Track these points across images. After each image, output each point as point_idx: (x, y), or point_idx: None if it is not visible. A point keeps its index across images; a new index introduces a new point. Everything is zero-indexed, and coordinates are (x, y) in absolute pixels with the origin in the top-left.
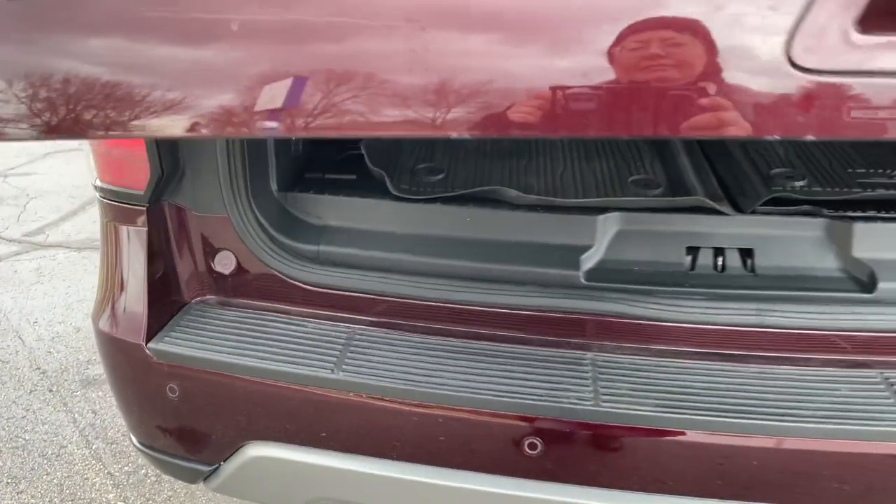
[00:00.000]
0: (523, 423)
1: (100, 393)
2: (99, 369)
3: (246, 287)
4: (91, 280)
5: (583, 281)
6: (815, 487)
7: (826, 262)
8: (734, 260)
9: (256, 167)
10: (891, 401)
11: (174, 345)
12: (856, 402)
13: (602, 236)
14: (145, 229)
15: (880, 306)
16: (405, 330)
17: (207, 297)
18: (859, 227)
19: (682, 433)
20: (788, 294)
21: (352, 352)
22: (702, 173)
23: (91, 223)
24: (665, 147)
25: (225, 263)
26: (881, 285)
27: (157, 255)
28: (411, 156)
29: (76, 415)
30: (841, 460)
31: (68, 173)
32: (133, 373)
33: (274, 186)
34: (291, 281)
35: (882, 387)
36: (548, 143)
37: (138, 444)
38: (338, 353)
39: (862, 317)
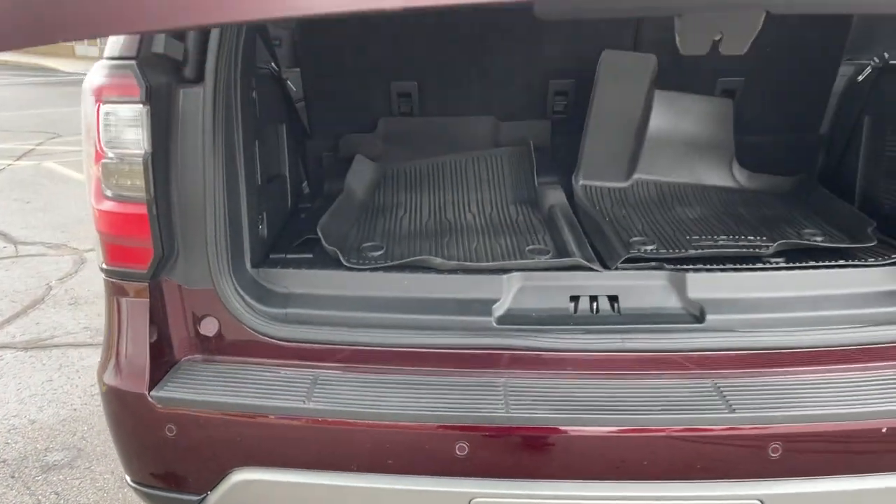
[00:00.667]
0: (454, 432)
1: (60, 476)
2: (58, 455)
3: (227, 345)
4: (40, 377)
5: (494, 325)
6: (664, 460)
7: (670, 302)
8: (604, 304)
9: (235, 249)
10: (717, 399)
11: (172, 392)
12: (694, 400)
13: (507, 291)
14: (147, 301)
15: (709, 332)
16: (360, 370)
17: (195, 355)
18: (691, 276)
19: (572, 429)
20: (643, 326)
21: (318, 387)
22: (580, 242)
23: (34, 324)
24: (552, 223)
25: (209, 327)
26: (709, 317)
27: (155, 322)
28: (357, 237)
29: (40, 497)
30: (683, 439)
31: (7, 279)
32: (135, 418)
33: (248, 264)
34: (265, 338)
35: (712, 390)
36: (465, 223)
37: (133, 483)
38: (307, 389)
39: (697, 341)
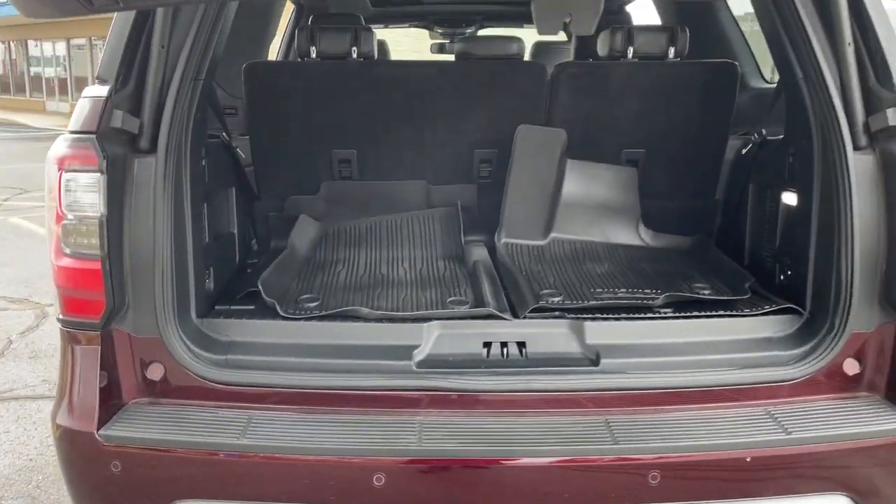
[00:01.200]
0: (372, 465)
1: None
2: (13, 503)
3: (172, 389)
4: None
5: (414, 368)
6: (560, 488)
7: (570, 348)
8: (514, 349)
9: (181, 301)
10: (605, 433)
11: (117, 430)
12: (586, 434)
13: (427, 338)
14: (98, 348)
15: (603, 374)
16: (292, 410)
17: (142, 398)
18: (589, 325)
19: (478, 461)
20: (546, 369)
21: (252, 425)
22: (497, 293)
23: None
24: (475, 277)
25: (156, 372)
26: (603, 361)
27: (106, 368)
28: (297, 290)
29: None
30: (576, 469)
31: None
32: (84, 456)
33: (193, 315)
34: (206, 382)
35: (603, 425)
36: (397, 277)
37: None
38: (242, 427)
39: (592, 382)
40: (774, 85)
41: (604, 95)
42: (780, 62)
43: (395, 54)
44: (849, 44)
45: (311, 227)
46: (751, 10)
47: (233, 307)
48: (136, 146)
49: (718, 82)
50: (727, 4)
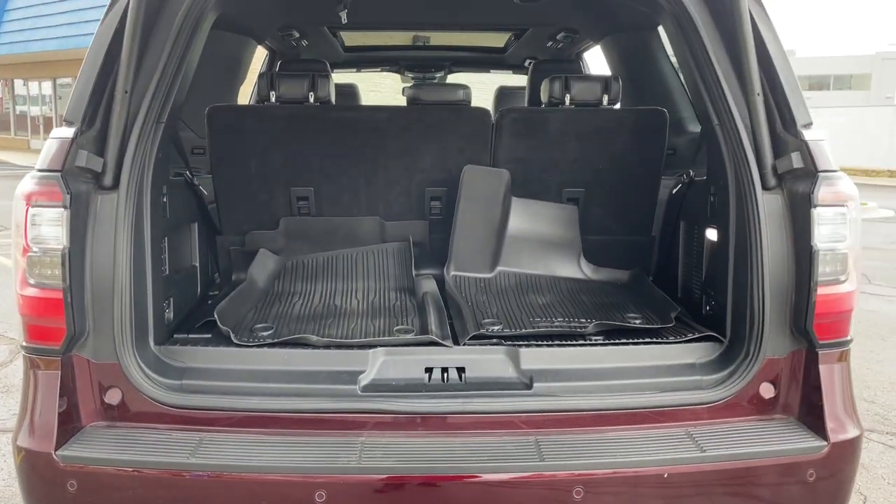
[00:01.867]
0: (315, 482)
1: None
2: None
3: (129, 412)
4: None
5: (359, 392)
6: (495, 500)
7: (506, 373)
8: (453, 374)
9: (139, 329)
10: (534, 451)
11: (75, 451)
12: (516, 453)
13: (372, 364)
14: (59, 373)
15: (536, 397)
16: (242, 432)
17: (100, 421)
18: (523, 351)
19: (415, 478)
20: (483, 392)
21: (203, 446)
22: (442, 323)
23: None
24: (423, 307)
25: (114, 396)
26: (536, 384)
27: (65, 392)
28: (252, 319)
29: None
30: (506, 485)
31: None
32: (42, 477)
33: (151, 342)
34: (162, 405)
35: (532, 444)
36: (349, 308)
37: None
38: (193, 447)
39: (525, 404)
40: None
41: (544, 138)
42: (700, 110)
43: (377, 94)
44: (758, 94)
45: (270, 260)
46: None
47: (191, 335)
48: (99, 183)
49: (649, 127)
50: (667, 55)
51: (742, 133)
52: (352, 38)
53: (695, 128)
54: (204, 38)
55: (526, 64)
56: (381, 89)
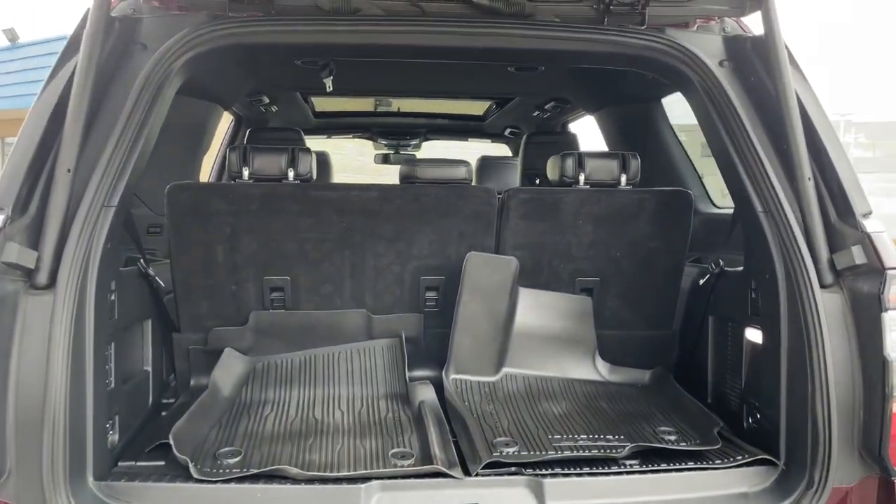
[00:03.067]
0: None
1: None
2: None
3: None
4: None
5: None
6: None
7: None
8: None
9: (75, 462)
10: None
11: None
12: None
13: (366, 502)
14: None
15: None
16: None
17: None
18: (549, 483)
19: None
20: None
21: None
22: (445, 443)
23: None
24: (420, 421)
25: None
26: None
27: None
28: (216, 441)
29: None
30: None
31: None
32: None
33: (90, 478)
34: None
35: None
36: (332, 422)
37: None
38: None
39: None
40: (724, 210)
41: (555, 222)
42: (739, 197)
43: (342, 156)
44: (808, 179)
45: (238, 362)
46: (693, 121)
47: (139, 463)
48: (31, 282)
49: (672, 210)
50: (671, 127)
51: (792, 222)
52: (323, 104)
53: (706, 207)
54: (167, 106)
55: (507, 133)
56: (345, 151)
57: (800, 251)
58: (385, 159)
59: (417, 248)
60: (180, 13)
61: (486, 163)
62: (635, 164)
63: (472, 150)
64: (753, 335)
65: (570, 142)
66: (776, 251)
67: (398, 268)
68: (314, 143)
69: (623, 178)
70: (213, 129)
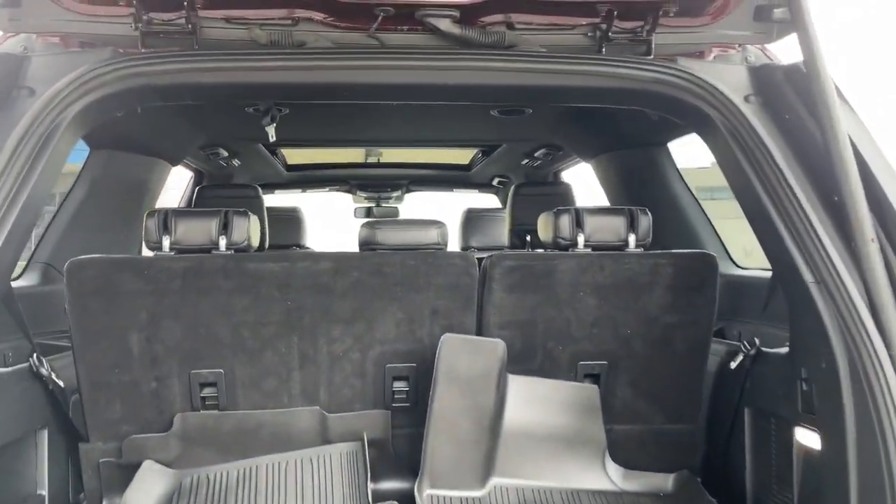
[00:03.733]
0: None
1: None
2: None
3: None
4: None
5: None
6: None
7: None
8: None
9: None
10: None
11: None
12: None
13: None
14: None
15: None
16: None
17: None
18: None
19: None
20: None
21: None
22: None
23: None
24: None
25: None
26: None
27: None
28: None
29: None
30: None
31: None
32: None
33: None
34: None
35: None
36: None
37: None
38: None
39: None
40: (747, 272)
41: (550, 294)
42: (780, 262)
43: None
44: (872, 240)
45: (159, 478)
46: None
47: None
48: None
49: (694, 277)
50: (679, 174)
51: (854, 296)
52: (296, 155)
53: (726, 268)
54: (61, 162)
55: (494, 183)
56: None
57: (866, 333)
58: (367, 213)
59: (382, 330)
60: (80, 50)
61: (472, 216)
62: (646, 221)
63: (456, 202)
64: (807, 438)
65: (563, 193)
66: (834, 333)
67: (358, 355)
68: (291, 197)
69: (631, 239)
70: (157, 188)
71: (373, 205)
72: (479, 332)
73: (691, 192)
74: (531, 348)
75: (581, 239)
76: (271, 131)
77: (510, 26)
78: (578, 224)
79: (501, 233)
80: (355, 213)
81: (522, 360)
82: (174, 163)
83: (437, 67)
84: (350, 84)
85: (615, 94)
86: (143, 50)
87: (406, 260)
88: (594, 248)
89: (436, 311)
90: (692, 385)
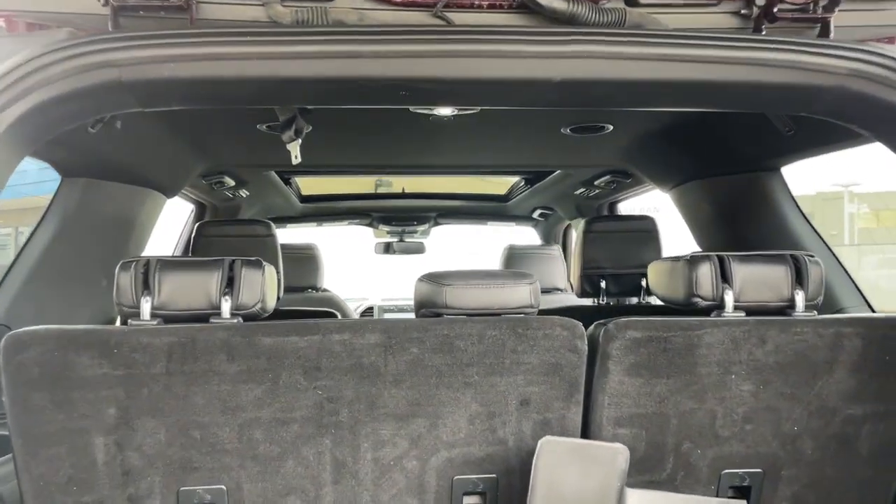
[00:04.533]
0: None
1: None
2: None
3: None
4: None
5: None
6: None
7: None
8: None
9: None
10: None
11: None
12: None
13: None
14: None
15: None
16: None
17: None
18: None
19: None
20: None
21: None
22: None
23: None
24: None
25: None
26: None
27: None
28: None
29: None
30: None
31: None
32: None
33: None
34: None
35: None
36: None
37: None
38: None
39: None
40: None
41: (690, 379)
42: None
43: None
44: None
45: None
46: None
47: None
48: None
49: (885, 350)
50: (802, 211)
51: None
52: (311, 185)
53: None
54: None
55: (535, 215)
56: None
57: None
58: (387, 248)
59: (449, 428)
60: (25, 34)
61: (515, 253)
62: (817, 272)
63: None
64: None
65: (649, 230)
66: None
67: (416, 463)
68: (303, 231)
69: (799, 298)
70: (147, 226)
71: (395, 239)
72: (587, 431)
73: (815, 231)
74: (660, 452)
75: (729, 298)
76: (295, 149)
77: (631, 2)
78: (724, 277)
79: (554, 276)
80: (376, 248)
81: (647, 469)
82: (169, 194)
83: (539, 54)
84: (407, 79)
85: (789, 94)
86: (113, 31)
87: (486, 330)
88: (748, 312)
89: (526, 401)
90: (883, 499)
